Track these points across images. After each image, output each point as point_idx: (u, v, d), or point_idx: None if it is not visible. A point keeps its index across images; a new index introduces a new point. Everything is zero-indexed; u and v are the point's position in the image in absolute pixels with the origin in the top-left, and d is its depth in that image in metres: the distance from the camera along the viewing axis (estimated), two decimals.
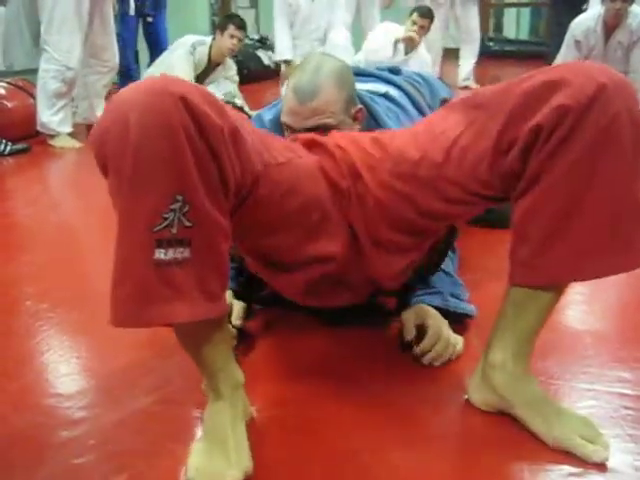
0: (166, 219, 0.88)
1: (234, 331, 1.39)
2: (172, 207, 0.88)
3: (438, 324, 1.36)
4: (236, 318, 1.42)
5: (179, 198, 0.88)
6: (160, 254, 0.89)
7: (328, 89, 1.40)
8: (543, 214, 1.00)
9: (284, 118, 1.45)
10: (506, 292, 1.11)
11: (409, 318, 1.41)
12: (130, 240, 0.90)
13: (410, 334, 1.38)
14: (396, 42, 4.60)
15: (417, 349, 1.34)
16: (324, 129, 1.36)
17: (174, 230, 0.89)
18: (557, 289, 1.07)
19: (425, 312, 1.40)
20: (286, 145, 1.19)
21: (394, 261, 1.26)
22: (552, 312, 1.10)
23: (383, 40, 4.60)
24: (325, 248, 1.20)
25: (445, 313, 1.42)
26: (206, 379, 1.06)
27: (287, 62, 5.04)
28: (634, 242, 0.99)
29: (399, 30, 4.66)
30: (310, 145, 1.23)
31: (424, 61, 4.78)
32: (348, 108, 1.45)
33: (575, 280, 1.06)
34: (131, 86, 0.91)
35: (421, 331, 1.37)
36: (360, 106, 1.51)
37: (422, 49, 4.79)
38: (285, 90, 1.46)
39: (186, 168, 0.88)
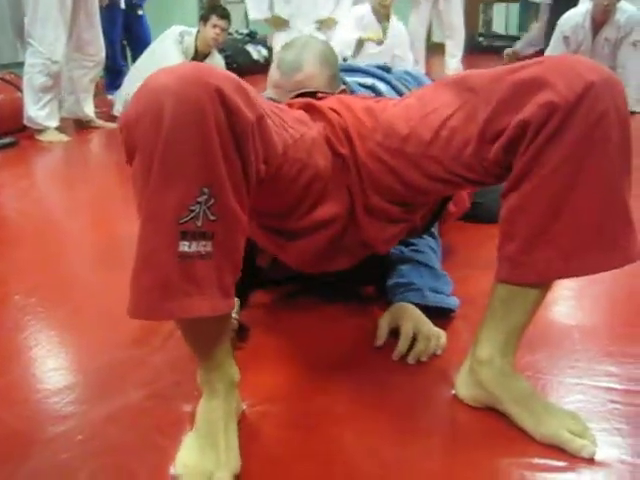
0: (192, 211, 0.88)
1: (236, 323, 1.39)
2: (199, 200, 0.88)
3: (412, 324, 1.36)
4: (234, 312, 1.42)
5: (205, 191, 0.88)
6: (184, 247, 0.89)
7: (311, 64, 1.43)
8: (530, 211, 1.00)
9: (268, 93, 1.46)
10: (493, 288, 1.11)
11: (382, 323, 1.41)
12: (155, 230, 0.89)
13: (380, 340, 1.39)
14: (360, 41, 4.53)
15: (395, 353, 1.34)
16: None
17: (199, 223, 0.89)
18: (544, 285, 1.08)
19: (402, 312, 1.41)
20: (296, 117, 1.18)
21: (385, 228, 1.28)
22: (540, 307, 1.10)
23: (347, 38, 4.51)
24: (329, 211, 1.22)
25: (426, 308, 1.42)
26: (203, 374, 1.06)
27: (267, 20, 4.79)
28: (620, 239, 0.99)
29: (365, 9, 4.59)
30: (307, 109, 1.24)
31: (399, 33, 4.72)
32: (331, 86, 1.46)
33: (561, 277, 1.06)
34: (167, 72, 0.89)
35: (398, 333, 1.37)
36: (344, 87, 1.52)
37: (395, 21, 4.71)
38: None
39: (215, 161, 0.88)
